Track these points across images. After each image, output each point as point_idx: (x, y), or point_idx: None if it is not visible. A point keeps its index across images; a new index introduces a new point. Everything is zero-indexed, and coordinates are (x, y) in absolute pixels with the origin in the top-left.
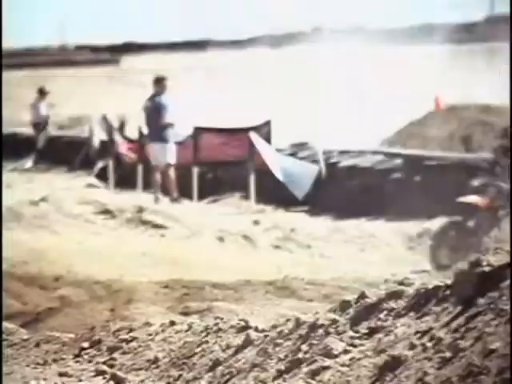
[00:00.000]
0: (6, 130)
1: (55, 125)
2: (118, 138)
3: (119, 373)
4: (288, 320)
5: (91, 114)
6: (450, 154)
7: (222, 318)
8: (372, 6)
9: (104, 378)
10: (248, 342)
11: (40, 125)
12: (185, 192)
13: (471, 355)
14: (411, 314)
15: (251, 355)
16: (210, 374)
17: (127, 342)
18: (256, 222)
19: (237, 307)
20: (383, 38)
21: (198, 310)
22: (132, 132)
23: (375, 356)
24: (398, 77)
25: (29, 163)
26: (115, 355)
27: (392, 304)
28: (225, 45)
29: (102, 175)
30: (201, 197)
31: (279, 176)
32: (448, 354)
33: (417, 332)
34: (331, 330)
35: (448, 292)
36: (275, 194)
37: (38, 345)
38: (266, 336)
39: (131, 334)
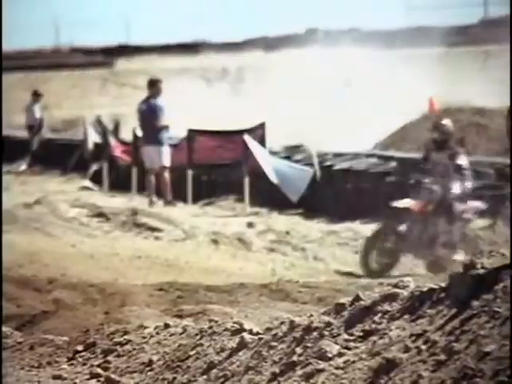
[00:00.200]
0: None
1: (49, 127)
2: (112, 140)
3: (113, 376)
4: (282, 323)
5: (85, 116)
6: None
7: (216, 321)
8: (366, 8)
9: (98, 381)
10: (242, 345)
11: (34, 127)
12: (179, 195)
13: (466, 358)
14: (406, 316)
15: (245, 358)
16: (205, 376)
17: (121, 344)
18: (250, 225)
19: (231, 310)
20: (378, 40)
21: (192, 312)
22: (126, 134)
23: (370, 359)
24: (392, 79)
25: (23, 166)
26: (109, 358)
27: (386, 307)
28: (219, 47)
29: (97, 178)
30: (195, 199)
31: (273, 179)
32: (443, 357)
33: (411, 335)
34: (326, 333)
35: (442, 295)
36: (270, 196)
37: (32, 348)
38: (260, 339)
39: (125, 336)
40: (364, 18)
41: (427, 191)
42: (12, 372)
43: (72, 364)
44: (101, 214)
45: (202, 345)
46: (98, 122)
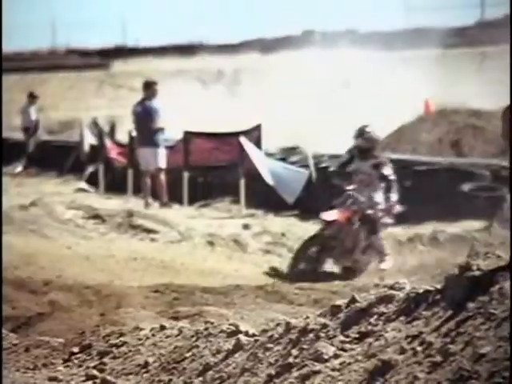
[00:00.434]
0: None
1: (45, 129)
2: (108, 142)
3: (109, 377)
4: (278, 324)
5: (81, 118)
6: (439, 159)
7: (212, 323)
8: (364, 10)
9: (94, 383)
10: (238, 347)
11: (30, 129)
12: (175, 196)
13: (461, 359)
14: (401, 318)
15: (241, 360)
16: (201, 378)
17: (117, 346)
18: (246, 227)
19: (227, 312)
20: (375, 41)
21: (188, 314)
22: (122, 136)
23: (365, 360)
24: (388, 80)
25: (19, 168)
26: (105, 360)
27: (382, 308)
28: (215, 49)
29: (93, 180)
30: (191, 201)
31: (269, 180)
32: (438, 359)
33: (407, 336)
34: (322, 335)
35: (438, 296)
36: (265, 198)
37: (27, 349)
38: (256, 341)
39: (121, 338)
40: (361, 20)
41: (352, 200)
42: (7, 374)
43: (68, 366)
44: (96, 216)
45: (197, 346)
46: (94, 124)
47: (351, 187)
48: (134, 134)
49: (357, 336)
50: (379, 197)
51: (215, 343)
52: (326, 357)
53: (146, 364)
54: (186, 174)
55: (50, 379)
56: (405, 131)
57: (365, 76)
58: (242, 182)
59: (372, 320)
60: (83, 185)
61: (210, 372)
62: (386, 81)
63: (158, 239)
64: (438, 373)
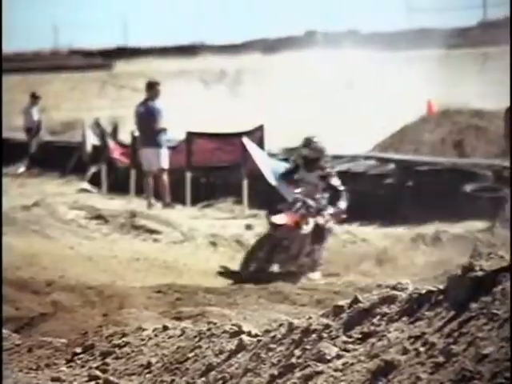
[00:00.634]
0: None
1: (48, 129)
2: (110, 142)
3: (112, 378)
4: (281, 325)
5: (84, 118)
6: (442, 159)
7: (215, 323)
8: (366, 11)
9: (97, 383)
10: (241, 347)
11: (32, 130)
12: (178, 197)
13: (464, 360)
14: (404, 318)
15: (244, 360)
16: (203, 378)
17: (120, 347)
18: (249, 227)
19: (230, 312)
20: (378, 42)
21: (190, 314)
22: (125, 136)
23: (368, 361)
24: (391, 81)
25: (21, 168)
26: (108, 360)
27: (385, 309)
28: (217, 49)
29: (95, 180)
30: (194, 202)
31: (271, 181)
32: (441, 359)
33: (410, 337)
34: (324, 335)
35: (441, 297)
36: (268, 198)
37: (30, 350)
38: (259, 341)
39: (124, 339)
40: (364, 20)
41: (300, 204)
42: (10, 374)
43: (70, 366)
44: (99, 217)
45: (200, 347)
46: (97, 124)
47: (299, 190)
48: (137, 134)
49: (359, 336)
50: (328, 208)
51: (218, 343)
52: (328, 357)
53: (149, 364)
54: (188, 175)
55: (53, 380)
56: (407, 131)
57: (367, 76)
58: (245, 183)
59: (375, 320)
60: (86, 185)
61: (213, 372)
62: (389, 81)
63: (161, 240)
64: (441, 373)
